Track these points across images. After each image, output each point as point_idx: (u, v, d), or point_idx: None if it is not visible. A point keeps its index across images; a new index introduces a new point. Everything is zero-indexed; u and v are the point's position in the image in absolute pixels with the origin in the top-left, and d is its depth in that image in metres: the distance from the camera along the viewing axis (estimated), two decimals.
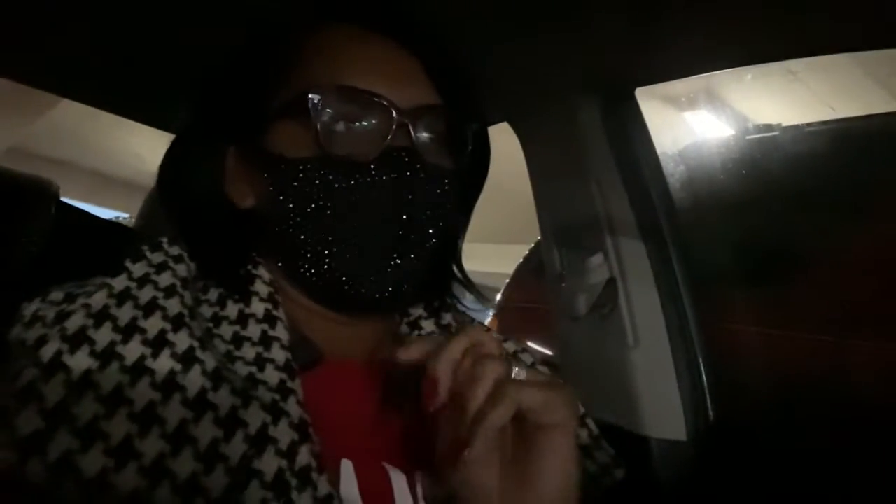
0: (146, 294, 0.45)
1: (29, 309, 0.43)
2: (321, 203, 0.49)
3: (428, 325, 0.60)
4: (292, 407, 0.44)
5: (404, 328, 0.60)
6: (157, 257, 0.49)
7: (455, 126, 0.55)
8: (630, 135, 0.96)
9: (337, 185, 0.49)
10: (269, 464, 0.40)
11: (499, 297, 2.70)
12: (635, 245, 0.93)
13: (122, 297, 0.44)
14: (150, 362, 0.41)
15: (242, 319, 0.49)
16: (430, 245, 0.52)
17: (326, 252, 0.50)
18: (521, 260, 2.66)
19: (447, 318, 0.62)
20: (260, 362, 0.46)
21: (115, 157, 6.16)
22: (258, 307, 0.50)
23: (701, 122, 3.77)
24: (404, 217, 0.50)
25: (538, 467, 0.43)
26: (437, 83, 0.54)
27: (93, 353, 0.40)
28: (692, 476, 0.87)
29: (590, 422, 0.61)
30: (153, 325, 0.43)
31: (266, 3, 0.56)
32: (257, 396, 0.43)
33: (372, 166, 0.49)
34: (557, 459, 0.43)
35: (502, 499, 0.43)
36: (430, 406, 0.44)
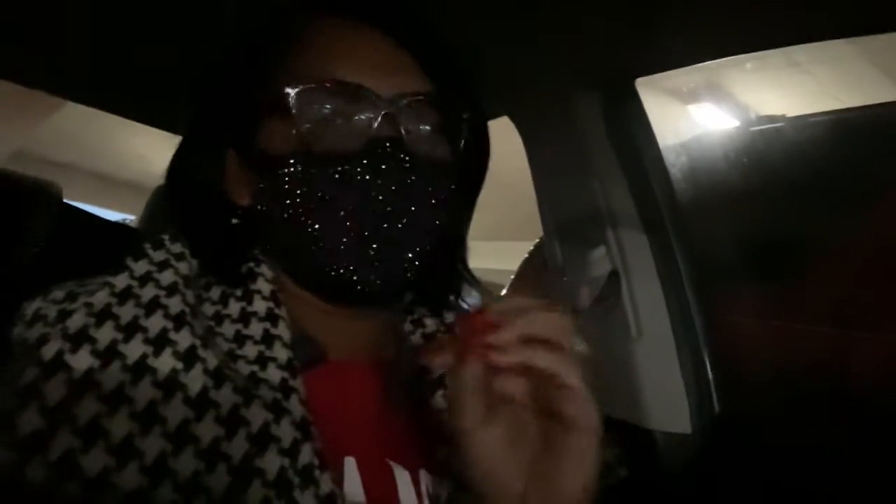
0: (148, 292, 0.45)
1: (30, 307, 0.43)
2: (307, 198, 0.49)
3: (431, 324, 0.60)
4: (294, 405, 0.44)
5: (408, 326, 0.60)
6: (158, 255, 0.49)
7: (449, 114, 0.54)
8: (631, 127, 0.95)
9: (321, 180, 0.48)
10: (271, 462, 0.40)
11: (503, 293, 2.69)
12: (637, 238, 0.93)
13: (124, 295, 0.44)
14: (151, 361, 0.41)
15: (244, 318, 0.48)
16: (425, 238, 0.51)
17: (317, 247, 0.49)
18: (526, 256, 2.66)
19: (451, 317, 0.61)
20: (262, 361, 0.46)
21: (120, 159, 6.18)
22: (260, 305, 0.49)
23: (705, 114, 3.76)
24: (390, 209, 0.49)
25: (561, 469, 0.42)
26: (429, 71, 0.53)
27: (94, 352, 0.40)
28: (697, 469, 0.87)
29: None
30: (155, 323, 0.43)
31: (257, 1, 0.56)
32: (259, 395, 0.43)
33: (355, 158, 0.48)
34: (581, 462, 0.42)
35: (522, 498, 0.42)
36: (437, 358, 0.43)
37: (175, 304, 0.45)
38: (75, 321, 0.41)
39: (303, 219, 0.49)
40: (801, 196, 1.47)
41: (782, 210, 1.47)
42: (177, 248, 0.50)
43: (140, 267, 0.47)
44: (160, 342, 0.42)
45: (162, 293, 0.45)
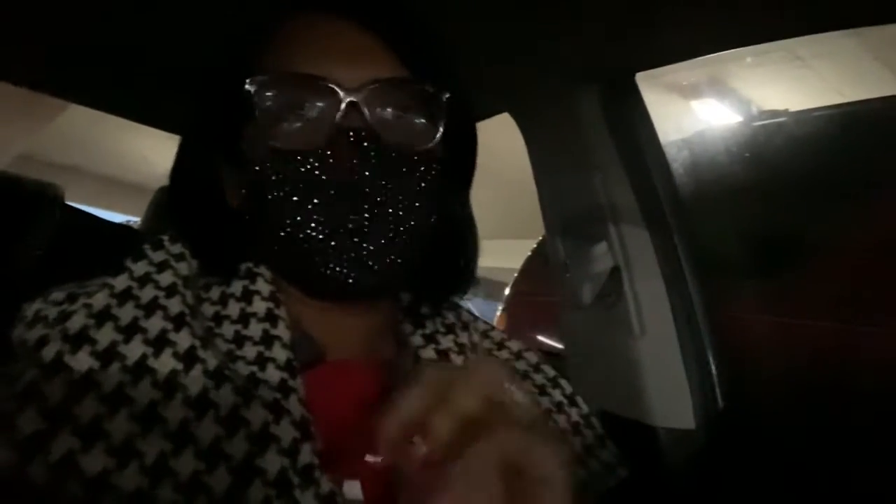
0: (147, 293, 0.45)
1: (30, 309, 0.43)
2: (279, 195, 0.48)
3: (432, 325, 0.59)
4: (294, 405, 0.44)
5: (408, 327, 0.59)
6: (158, 256, 0.49)
7: (425, 98, 0.52)
8: (632, 122, 0.95)
9: (288, 177, 0.48)
10: (271, 462, 0.40)
11: (507, 291, 2.69)
12: (639, 233, 0.93)
13: (124, 296, 0.44)
14: (151, 362, 0.41)
15: (244, 318, 0.48)
16: (403, 228, 0.50)
17: (293, 244, 0.49)
18: (529, 254, 2.66)
19: (451, 316, 0.61)
20: (261, 362, 0.46)
21: (124, 161, 6.20)
22: (260, 306, 0.49)
23: (707, 109, 3.75)
24: (360, 200, 0.48)
25: None
26: (404, 57, 0.51)
27: (94, 353, 0.40)
28: (701, 465, 0.87)
29: (594, 420, 0.60)
30: (154, 324, 0.43)
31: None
32: (259, 395, 0.43)
33: (320, 151, 0.48)
34: None
35: None
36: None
37: (174, 305, 0.45)
38: (75, 322, 0.41)
39: (277, 216, 0.49)
40: (803, 191, 1.47)
41: (785, 205, 1.47)
42: (176, 248, 0.50)
43: (139, 268, 0.47)
44: (160, 343, 0.42)
45: (161, 294, 0.45)
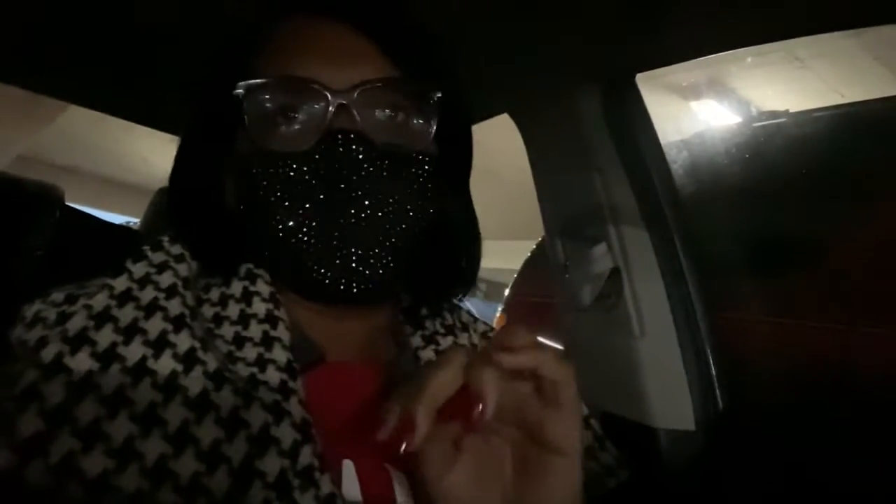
0: (147, 295, 0.45)
1: (30, 310, 0.43)
2: (272, 199, 0.48)
3: (431, 326, 0.59)
4: (294, 407, 0.44)
5: (408, 328, 0.59)
6: (157, 257, 0.49)
7: (417, 98, 0.52)
8: (632, 123, 0.95)
9: (279, 180, 0.48)
10: (271, 464, 0.40)
11: (507, 292, 2.69)
12: (639, 234, 0.93)
13: (123, 297, 0.44)
14: (151, 363, 0.41)
15: (244, 320, 0.48)
16: (396, 230, 0.50)
17: (286, 247, 0.49)
18: (529, 255, 2.66)
19: (450, 318, 0.61)
20: (261, 363, 0.45)
21: (124, 162, 6.20)
22: (259, 307, 0.49)
23: (707, 110, 3.75)
24: (351, 203, 0.48)
25: (543, 492, 0.42)
26: (395, 58, 0.51)
27: (94, 355, 0.40)
28: (701, 465, 0.87)
29: (594, 422, 0.60)
30: (154, 325, 0.43)
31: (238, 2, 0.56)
32: (259, 397, 0.43)
33: (309, 154, 0.48)
34: (564, 485, 0.42)
35: None
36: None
37: (174, 307, 0.45)
38: (75, 323, 0.41)
39: (270, 220, 0.49)
40: (803, 191, 1.47)
41: (784, 206, 1.47)
42: (176, 250, 0.50)
43: (139, 269, 0.47)
44: (160, 344, 0.42)
45: (161, 295, 0.45)
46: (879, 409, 1.02)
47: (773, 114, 1.84)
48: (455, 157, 0.58)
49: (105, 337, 0.41)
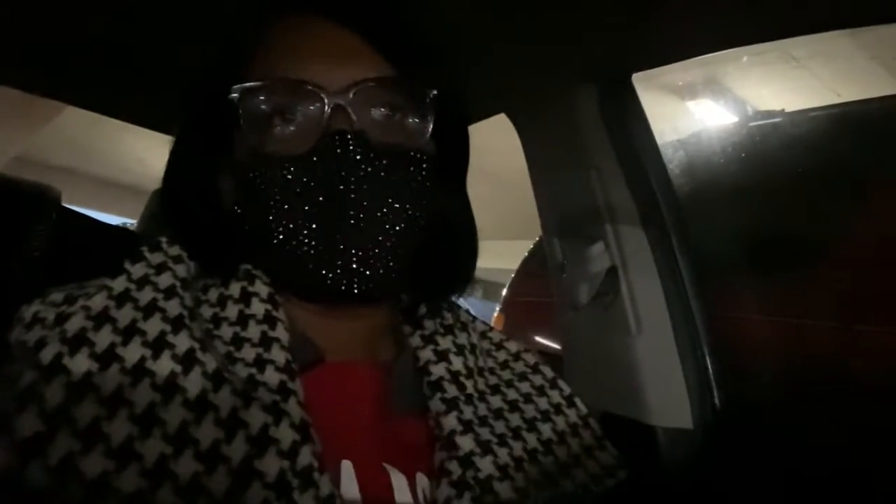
0: (146, 295, 0.45)
1: (28, 311, 0.43)
2: (269, 201, 0.48)
3: (430, 325, 0.59)
4: (293, 407, 0.44)
5: (407, 328, 0.59)
6: (156, 258, 0.49)
7: (412, 96, 0.52)
8: (628, 122, 0.95)
9: (276, 182, 0.48)
10: (270, 464, 0.40)
11: (504, 292, 2.69)
12: (636, 233, 0.93)
13: (122, 298, 0.44)
14: (150, 364, 0.41)
15: (242, 320, 0.48)
16: (395, 229, 0.50)
17: (285, 249, 0.49)
18: (526, 255, 2.66)
19: (449, 317, 0.61)
20: (260, 364, 0.45)
21: (120, 163, 6.19)
22: (258, 308, 0.49)
23: (703, 110, 3.75)
24: (349, 203, 0.48)
25: None
26: (389, 57, 0.51)
27: (93, 356, 0.40)
28: (699, 464, 0.87)
29: (592, 422, 0.60)
30: (153, 326, 0.43)
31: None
32: (258, 397, 0.43)
33: (307, 156, 0.48)
34: None
35: None
36: None
37: (173, 307, 0.45)
38: (73, 324, 0.41)
39: (267, 222, 0.49)
40: (799, 191, 1.47)
41: (781, 205, 1.47)
42: (174, 251, 0.50)
43: (138, 270, 0.47)
44: (158, 345, 0.42)
45: (160, 296, 0.45)
46: (877, 407, 1.03)
47: (770, 113, 1.85)
48: (452, 156, 0.58)
49: (104, 338, 0.41)
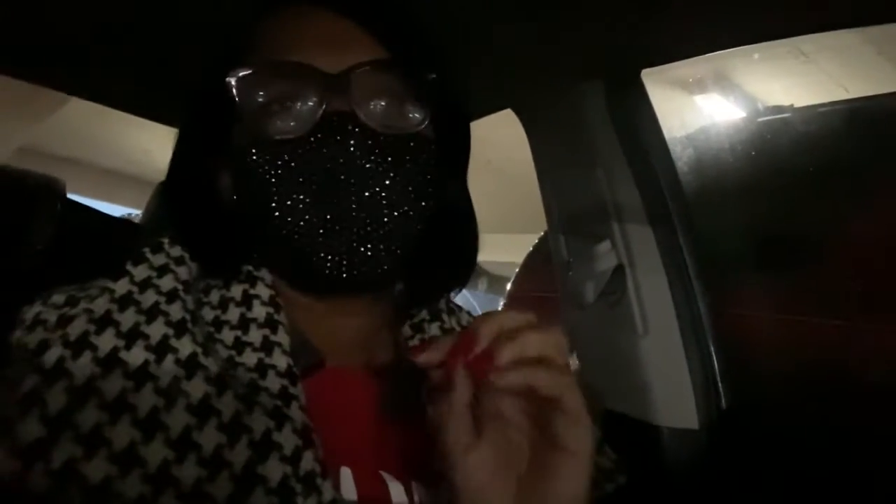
0: (148, 299, 0.45)
1: (30, 312, 0.43)
2: (268, 186, 0.48)
3: (432, 329, 0.58)
4: (295, 412, 0.43)
5: (406, 331, 0.59)
6: (158, 259, 0.48)
7: (411, 79, 0.51)
8: (636, 119, 0.95)
9: (275, 166, 0.48)
10: (273, 469, 0.40)
11: (509, 286, 2.69)
12: (643, 231, 0.92)
13: (124, 301, 0.44)
14: (153, 368, 0.41)
15: (244, 324, 0.48)
16: (394, 214, 0.49)
17: (284, 235, 0.48)
18: (532, 249, 2.66)
19: (451, 321, 0.60)
20: (262, 368, 0.45)
21: (125, 154, 6.19)
22: (259, 311, 0.49)
23: (712, 105, 3.73)
24: (347, 187, 0.47)
25: (552, 491, 0.42)
26: (386, 42, 0.51)
27: (95, 360, 0.40)
28: (704, 464, 0.87)
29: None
30: (156, 330, 0.43)
31: None
32: (260, 402, 0.43)
33: (305, 140, 0.47)
34: (573, 485, 0.42)
35: None
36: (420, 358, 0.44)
37: (176, 311, 0.45)
38: (76, 327, 0.41)
39: (267, 208, 0.48)
40: (808, 187, 1.46)
41: (790, 201, 1.46)
42: (176, 251, 0.50)
43: (140, 272, 0.46)
44: (161, 349, 0.42)
45: (162, 299, 0.45)
46: (883, 406, 1.02)
47: (778, 108, 1.83)
48: (452, 144, 0.57)
49: (106, 342, 0.41)
